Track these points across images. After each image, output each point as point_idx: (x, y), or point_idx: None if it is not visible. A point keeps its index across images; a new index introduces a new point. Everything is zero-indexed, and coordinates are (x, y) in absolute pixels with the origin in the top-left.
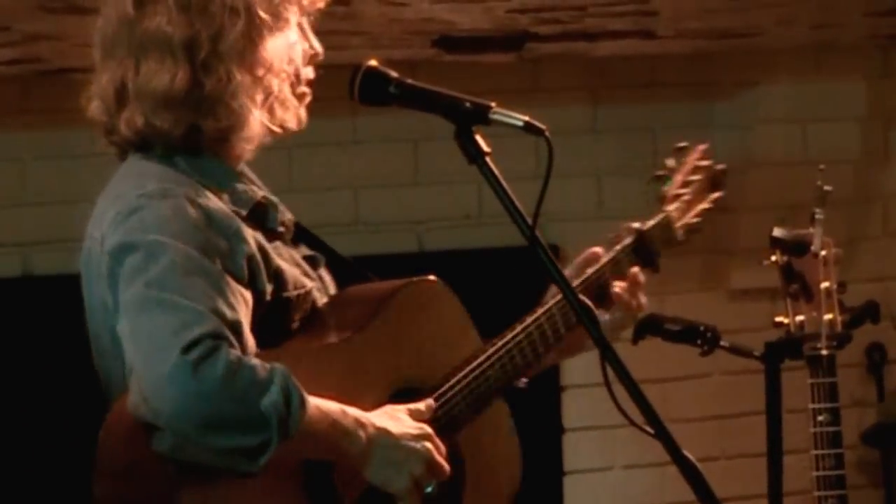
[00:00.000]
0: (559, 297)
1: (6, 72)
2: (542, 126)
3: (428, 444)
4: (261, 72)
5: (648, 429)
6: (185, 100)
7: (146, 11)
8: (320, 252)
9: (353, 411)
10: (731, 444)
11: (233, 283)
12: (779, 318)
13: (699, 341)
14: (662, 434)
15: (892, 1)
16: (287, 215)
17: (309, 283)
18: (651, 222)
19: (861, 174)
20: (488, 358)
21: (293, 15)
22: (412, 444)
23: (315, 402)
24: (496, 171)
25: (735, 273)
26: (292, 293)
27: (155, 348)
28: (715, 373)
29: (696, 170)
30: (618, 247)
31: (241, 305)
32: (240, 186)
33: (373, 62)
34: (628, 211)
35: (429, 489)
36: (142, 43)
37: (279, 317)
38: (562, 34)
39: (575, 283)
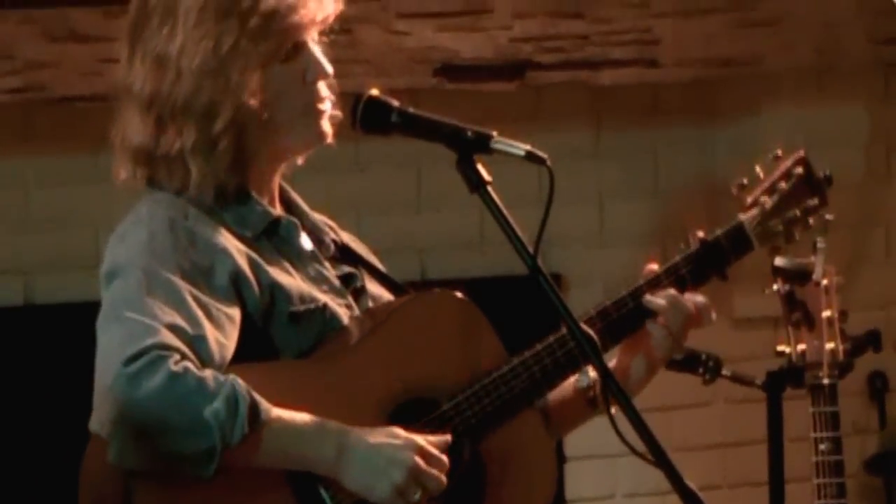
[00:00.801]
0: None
1: (10, 99)
2: (544, 155)
3: (412, 455)
4: (214, 127)
5: (650, 457)
6: (150, 155)
7: (130, 66)
8: (372, 274)
9: (327, 422)
10: (732, 472)
11: (205, 300)
12: (780, 347)
13: (701, 370)
14: (664, 462)
15: (894, 26)
16: (330, 235)
17: (323, 298)
18: (719, 231)
19: (864, 199)
20: (512, 369)
21: (269, 47)
22: (393, 452)
23: (279, 413)
24: (497, 200)
25: (737, 301)
26: (299, 307)
27: (103, 362)
28: (717, 401)
29: (786, 177)
30: (677, 257)
31: (218, 321)
32: (250, 208)
33: (374, 91)
34: (631, 238)
35: (416, 497)
36: (125, 97)
37: (291, 330)
38: (564, 63)
39: (609, 301)
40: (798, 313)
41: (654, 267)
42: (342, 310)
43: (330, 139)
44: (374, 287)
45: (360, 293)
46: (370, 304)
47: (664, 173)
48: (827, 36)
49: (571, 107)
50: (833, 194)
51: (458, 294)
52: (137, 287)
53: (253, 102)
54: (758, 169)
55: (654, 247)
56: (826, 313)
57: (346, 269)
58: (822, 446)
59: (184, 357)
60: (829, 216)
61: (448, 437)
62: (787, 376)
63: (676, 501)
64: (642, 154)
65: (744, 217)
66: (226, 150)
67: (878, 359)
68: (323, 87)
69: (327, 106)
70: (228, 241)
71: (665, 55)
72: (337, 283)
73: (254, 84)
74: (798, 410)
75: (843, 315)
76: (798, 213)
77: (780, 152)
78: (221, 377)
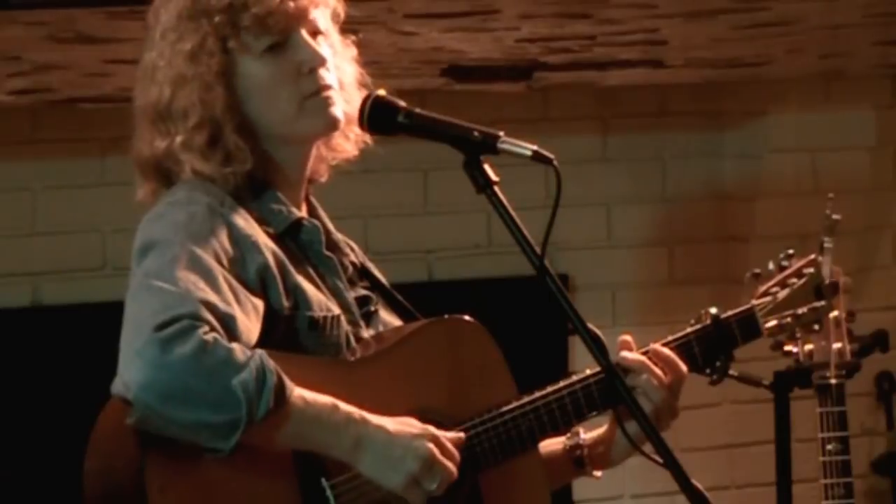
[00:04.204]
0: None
1: (16, 101)
2: (551, 155)
3: (428, 444)
4: (188, 124)
5: (658, 458)
6: (151, 162)
7: (140, 81)
8: (387, 301)
9: (347, 407)
10: (740, 473)
11: (236, 285)
12: (788, 347)
13: (708, 370)
14: (672, 463)
15: None
16: (350, 257)
17: (337, 310)
18: (731, 312)
19: (871, 203)
20: (522, 406)
21: (257, 40)
22: (410, 441)
23: (301, 393)
24: (505, 201)
25: (745, 302)
26: (318, 314)
27: (134, 327)
28: (724, 402)
29: (798, 274)
30: (689, 329)
31: (245, 307)
32: (274, 206)
33: (381, 91)
34: (638, 241)
35: (433, 486)
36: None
37: (310, 336)
38: (571, 63)
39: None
40: None
41: (627, 339)
42: (352, 328)
43: (341, 126)
44: (387, 315)
45: (371, 317)
46: (381, 329)
47: (671, 177)
48: (834, 40)
49: (579, 111)
50: (840, 198)
51: (472, 320)
52: (172, 261)
53: (228, 96)
54: (770, 264)
55: (660, 249)
56: (833, 313)
57: (362, 291)
58: (829, 446)
59: (213, 329)
60: (836, 216)
61: (462, 436)
62: (795, 377)
63: (684, 502)
64: (649, 158)
65: (756, 303)
66: (208, 145)
67: (886, 359)
68: (326, 75)
69: (333, 94)
70: (260, 235)
71: (672, 56)
72: (351, 301)
73: (226, 78)
74: (805, 411)
75: (851, 315)
76: (805, 310)
77: (791, 251)
78: (249, 351)
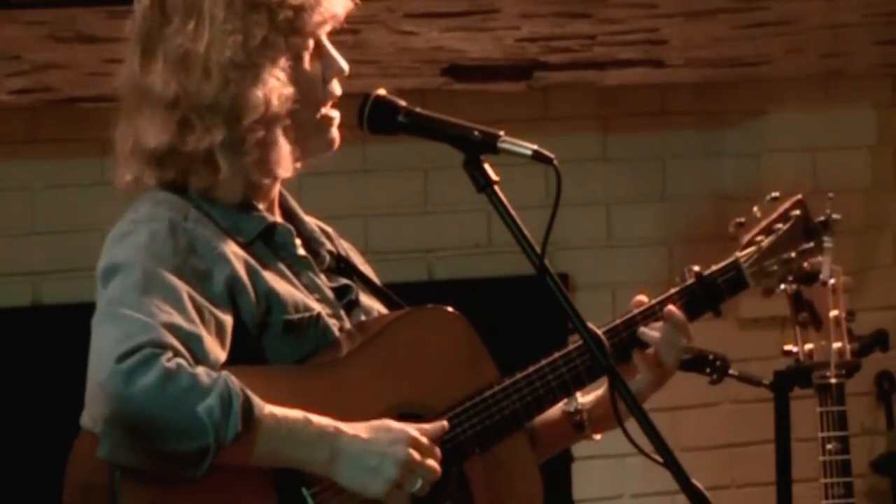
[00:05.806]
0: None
1: (16, 101)
2: (551, 154)
3: (405, 447)
4: (243, 123)
5: (657, 457)
6: (167, 156)
7: (147, 68)
8: (367, 287)
9: (320, 420)
10: (740, 472)
11: (201, 302)
12: (788, 347)
13: (708, 370)
14: (671, 463)
15: None
16: (327, 246)
17: (317, 308)
18: (715, 266)
19: (870, 203)
20: (503, 389)
21: (291, 45)
22: (385, 448)
23: (272, 411)
24: (505, 200)
25: (744, 301)
26: (294, 316)
27: (97, 359)
28: (724, 401)
29: (783, 218)
30: (673, 290)
31: (210, 325)
32: (247, 214)
33: (381, 91)
34: (638, 240)
35: (416, 488)
36: (140, 99)
37: (285, 340)
38: (571, 63)
39: (602, 329)
40: (805, 313)
41: (643, 298)
42: (333, 321)
43: (336, 147)
44: (368, 300)
45: (352, 306)
46: (363, 317)
47: (671, 177)
48: (834, 40)
49: (579, 110)
50: (840, 197)
51: (452, 310)
52: (135, 285)
53: (282, 97)
54: (755, 210)
55: (660, 249)
56: (833, 313)
57: (342, 280)
58: (829, 446)
59: (177, 354)
60: (836, 216)
61: (445, 424)
62: (795, 376)
63: (684, 502)
64: (649, 158)
65: (740, 255)
66: (255, 146)
67: (886, 360)
68: (336, 86)
69: (336, 114)
70: (227, 245)
71: (672, 56)
72: (330, 294)
73: (284, 78)
74: (805, 410)
75: (851, 315)
76: (793, 254)
77: (777, 194)
78: (214, 373)
